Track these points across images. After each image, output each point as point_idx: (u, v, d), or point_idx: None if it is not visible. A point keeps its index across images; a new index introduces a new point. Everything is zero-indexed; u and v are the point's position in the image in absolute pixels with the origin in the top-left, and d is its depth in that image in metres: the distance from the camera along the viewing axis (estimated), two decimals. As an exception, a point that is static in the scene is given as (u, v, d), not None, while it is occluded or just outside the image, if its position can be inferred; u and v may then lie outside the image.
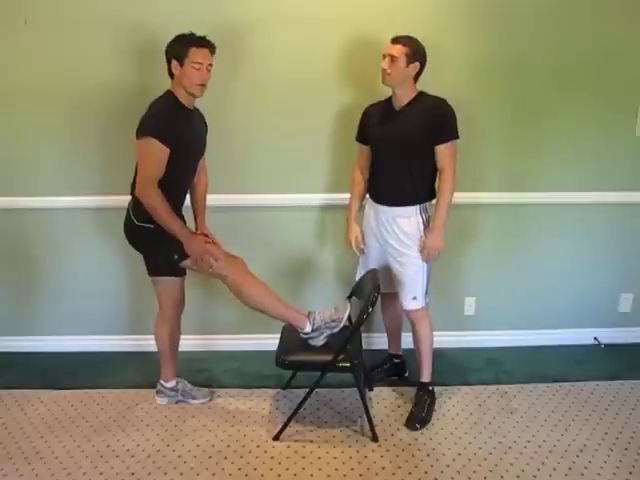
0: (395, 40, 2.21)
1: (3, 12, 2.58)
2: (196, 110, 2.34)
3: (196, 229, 2.50)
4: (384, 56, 2.23)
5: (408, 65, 2.21)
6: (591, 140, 2.79)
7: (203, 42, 2.16)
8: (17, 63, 2.64)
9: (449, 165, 2.26)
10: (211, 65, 2.21)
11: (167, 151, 2.13)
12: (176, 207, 2.28)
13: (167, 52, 2.19)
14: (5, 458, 2.21)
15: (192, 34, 2.17)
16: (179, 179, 2.30)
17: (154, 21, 2.58)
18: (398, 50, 2.18)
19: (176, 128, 2.17)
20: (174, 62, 2.17)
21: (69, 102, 2.68)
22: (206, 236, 2.43)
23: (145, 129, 2.13)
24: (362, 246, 2.52)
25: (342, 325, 2.30)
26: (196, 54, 2.14)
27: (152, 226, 2.22)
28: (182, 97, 2.22)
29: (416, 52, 2.21)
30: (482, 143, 2.77)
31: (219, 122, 2.70)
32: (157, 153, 2.12)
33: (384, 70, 2.22)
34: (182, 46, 2.14)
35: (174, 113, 2.20)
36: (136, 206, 2.23)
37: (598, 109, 2.75)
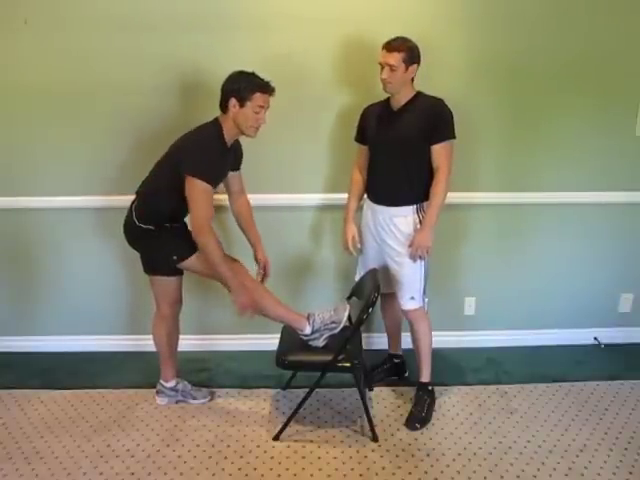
0: (390, 48, 2.18)
1: (3, 12, 2.58)
2: (236, 142, 2.32)
3: (255, 258, 2.49)
4: (381, 65, 2.22)
5: (407, 69, 2.21)
6: (591, 140, 2.79)
7: (268, 88, 2.16)
8: (17, 63, 2.64)
9: (444, 165, 2.26)
10: (268, 107, 2.20)
11: (211, 188, 2.14)
12: (180, 217, 2.32)
13: (228, 88, 2.15)
14: (5, 458, 2.21)
15: (255, 75, 2.15)
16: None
17: (154, 20, 2.58)
18: (396, 58, 2.17)
19: (218, 169, 2.20)
20: (233, 100, 2.14)
21: (69, 102, 2.68)
22: (264, 268, 2.47)
23: (193, 169, 2.10)
24: (358, 245, 2.52)
25: (342, 326, 2.30)
26: (260, 99, 2.14)
27: (153, 227, 2.23)
28: (228, 133, 2.21)
29: (412, 54, 2.21)
30: (482, 143, 2.77)
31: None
32: (207, 195, 2.13)
33: (384, 80, 2.22)
34: (248, 88, 2.12)
35: (219, 153, 2.19)
36: (140, 208, 2.24)
37: (598, 109, 2.75)
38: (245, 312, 2.21)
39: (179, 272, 2.39)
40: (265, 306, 2.30)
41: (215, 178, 2.17)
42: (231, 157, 2.32)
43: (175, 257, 2.26)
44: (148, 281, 2.41)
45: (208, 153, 2.15)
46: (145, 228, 2.23)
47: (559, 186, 2.84)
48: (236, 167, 2.40)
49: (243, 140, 2.71)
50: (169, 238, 2.27)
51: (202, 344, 3.03)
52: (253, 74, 2.16)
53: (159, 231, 2.25)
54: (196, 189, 2.10)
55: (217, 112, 2.69)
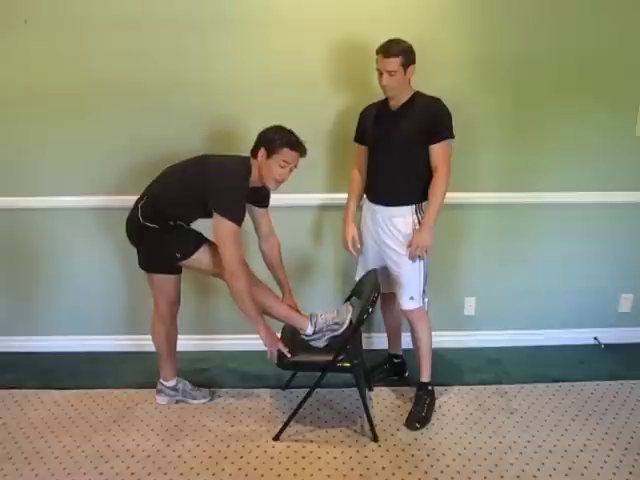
0: (387, 53, 2.17)
1: (3, 12, 2.58)
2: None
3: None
4: (380, 72, 2.21)
5: (405, 72, 2.21)
6: (591, 140, 2.79)
7: (298, 147, 2.19)
8: (17, 63, 2.64)
9: (443, 165, 2.26)
10: (295, 167, 2.23)
11: (240, 228, 2.16)
12: (188, 221, 2.34)
13: (261, 137, 2.21)
14: (5, 458, 2.21)
15: (290, 132, 2.20)
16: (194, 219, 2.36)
17: (154, 19, 2.58)
18: (394, 64, 2.17)
19: (244, 209, 2.22)
20: (262, 150, 2.19)
21: (69, 102, 2.69)
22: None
23: (224, 210, 2.13)
24: (358, 246, 2.52)
25: (344, 328, 2.30)
26: (287, 155, 2.17)
27: (157, 226, 2.23)
28: (254, 178, 2.24)
29: (409, 56, 2.20)
30: (482, 143, 2.77)
31: (216, 122, 2.71)
32: (237, 235, 2.15)
33: (385, 86, 2.22)
34: (278, 142, 2.17)
35: (245, 193, 2.22)
36: (148, 208, 2.24)
37: (598, 109, 2.75)
38: (273, 353, 2.24)
39: (178, 270, 2.39)
40: (268, 306, 2.32)
41: (242, 218, 2.19)
42: (257, 195, 2.33)
43: (178, 255, 2.27)
44: (149, 281, 2.41)
45: (238, 194, 2.19)
46: (150, 226, 2.24)
47: (559, 186, 2.84)
48: (263, 204, 2.40)
49: (241, 138, 2.72)
50: (172, 236, 2.28)
51: (202, 344, 3.03)
52: (289, 131, 2.21)
53: (163, 229, 2.25)
54: (226, 230, 2.13)
55: (216, 113, 2.70)
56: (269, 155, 2.18)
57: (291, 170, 2.23)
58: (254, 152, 2.23)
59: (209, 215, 2.20)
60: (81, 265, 2.93)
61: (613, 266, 2.99)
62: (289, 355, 2.24)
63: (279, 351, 2.24)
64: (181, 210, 2.26)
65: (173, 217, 2.27)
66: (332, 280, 2.96)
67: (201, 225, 2.36)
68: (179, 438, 2.32)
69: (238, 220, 2.14)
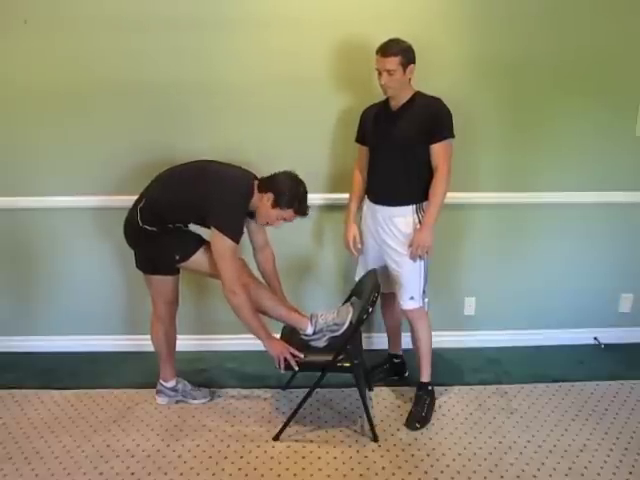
0: (385, 53, 2.17)
1: (3, 12, 2.58)
2: None
3: None
4: (379, 71, 2.21)
5: (405, 72, 2.21)
6: (591, 140, 2.79)
7: (304, 213, 2.25)
8: (17, 63, 2.64)
9: (443, 164, 2.26)
10: (290, 221, 2.27)
11: (237, 245, 2.17)
12: (186, 224, 2.34)
13: (277, 185, 2.20)
14: (5, 458, 2.21)
15: (304, 193, 2.23)
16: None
17: (153, 19, 2.58)
18: (393, 63, 2.17)
19: (242, 227, 2.23)
20: (271, 195, 2.19)
21: (69, 102, 2.69)
22: None
23: (224, 226, 2.13)
24: (359, 246, 2.52)
25: (344, 329, 2.29)
26: (289, 215, 2.23)
27: (156, 229, 2.23)
28: (253, 205, 2.24)
29: (408, 56, 2.20)
30: (482, 143, 2.77)
31: (217, 122, 2.71)
32: (234, 251, 2.17)
33: (384, 85, 2.22)
34: (289, 202, 2.19)
35: (245, 209, 2.23)
36: (147, 211, 2.23)
37: (598, 109, 2.75)
38: (281, 360, 2.22)
39: (176, 271, 2.39)
40: (268, 306, 2.32)
41: (241, 235, 2.20)
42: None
43: (177, 257, 2.27)
44: (146, 282, 2.41)
45: (238, 210, 2.20)
46: (149, 229, 2.24)
47: (559, 186, 2.84)
48: None
49: (241, 138, 2.72)
50: (171, 238, 2.28)
51: (202, 344, 3.03)
52: (304, 192, 2.23)
53: (161, 232, 2.25)
54: (225, 246, 2.13)
55: (217, 113, 2.69)
56: (274, 206, 2.20)
57: (284, 221, 2.26)
58: (261, 187, 2.22)
59: (204, 224, 2.20)
60: (81, 265, 2.93)
61: (613, 266, 2.99)
62: (302, 356, 2.22)
63: (286, 360, 2.22)
64: (179, 215, 2.26)
65: (172, 220, 2.26)
66: (332, 280, 2.96)
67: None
68: (179, 438, 2.32)
69: (237, 238, 2.16)
